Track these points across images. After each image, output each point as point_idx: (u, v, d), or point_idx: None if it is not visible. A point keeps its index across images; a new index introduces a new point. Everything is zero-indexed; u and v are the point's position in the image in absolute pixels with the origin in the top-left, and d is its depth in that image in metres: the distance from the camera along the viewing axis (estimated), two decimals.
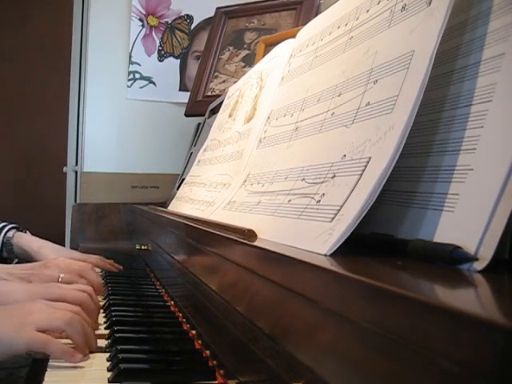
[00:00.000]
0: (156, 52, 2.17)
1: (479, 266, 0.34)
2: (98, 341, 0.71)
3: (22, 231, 1.27)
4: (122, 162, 2.13)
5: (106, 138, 2.14)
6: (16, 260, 1.24)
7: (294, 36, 0.85)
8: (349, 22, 0.62)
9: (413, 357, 0.26)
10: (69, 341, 0.67)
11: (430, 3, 0.45)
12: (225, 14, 1.81)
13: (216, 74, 1.74)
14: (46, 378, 0.60)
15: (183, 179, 1.34)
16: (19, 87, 3.28)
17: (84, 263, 1.01)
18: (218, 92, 1.68)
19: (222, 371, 0.60)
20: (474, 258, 0.34)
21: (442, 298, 0.27)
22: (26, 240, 1.22)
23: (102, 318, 0.84)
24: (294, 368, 0.39)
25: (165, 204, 1.42)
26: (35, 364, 0.71)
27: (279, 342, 0.42)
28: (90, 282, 0.95)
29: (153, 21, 2.16)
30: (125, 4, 2.14)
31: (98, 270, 1.22)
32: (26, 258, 1.21)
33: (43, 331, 0.64)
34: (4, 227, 1.25)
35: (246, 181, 0.75)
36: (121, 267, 1.24)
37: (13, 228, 1.26)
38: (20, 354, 0.64)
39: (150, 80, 2.15)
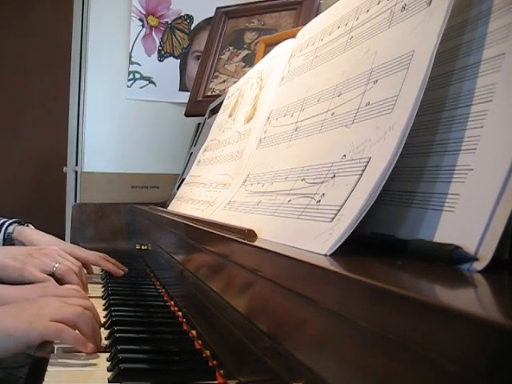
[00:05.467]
0: (156, 52, 2.17)
1: (479, 266, 0.34)
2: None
3: (23, 225, 1.27)
4: (122, 162, 2.13)
5: (106, 138, 2.13)
6: None
7: (294, 36, 0.85)
8: (349, 22, 0.62)
9: (413, 357, 0.26)
10: None
11: (430, 3, 0.45)
12: (225, 14, 1.81)
13: (216, 74, 1.74)
14: (45, 378, 0.60)
15: (183, 179, 1.34)
16: (19, 87, 3.28)
17: (77, 281, 0.98)
18: (218, 92, 1.68)
19: (222, 371, 0.60)
20: (474, 258, 0.34)
21: (442, 298, 0.27)
22: (26, 234, 1.21)
23: (102, 318, 0.84)
24: (294, 368, 0.39)
25: (165, 204, 1.42)
26: (35, 364, 0.71)
27: (279, 342, 0.42)
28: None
29: (153, 21, 2.16)
30: (125, 4, 2.14)
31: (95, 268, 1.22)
32: None
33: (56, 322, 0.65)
34: (4, 223, 1.24)
35: (246, 181, 0.75)
36: (125, 269, 1.20)
37: (14, 223, 1.25)
38: (34, 344, 0.65)
39: (149, 80, 2.15)
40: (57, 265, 0.98)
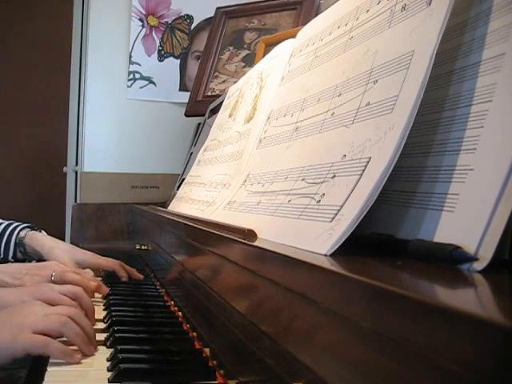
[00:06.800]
0: (156, 52, 2.16)
1: (479, 265, 0.34)
2: (98, 341, 0.71)
3: (36, 230, 1.25)
4: (121, 162, 2.13)
5: (106, 138, 2.13)
6: (34, 261, 1.21)
7: (294, 36, 0.85)
8: (349, 22, 0.62)
9: (413, 357, 0.25)
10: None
11: (430, 3, 0.45)
12: (225, 13, 1.80)
13: (216, 74, 1.74)
14: (45, 379, 0.60)
15: (183, 179, 1.34)
16: (19, 87, 3.28)
17: (78, 277, 0.96)
18: (218, 92, 1.68)
19: (222, 371, 0.60)
20: (474, 258, 0.34)
21: (442, 298, 0.27)
22: (37, 240, 1.19)
23: (101, 318, 0.84)
24: (294, 368, 0.39)
25: (165, 204, 1.42)
26: (35, 364, 0.71)
27: (279, 342, 0.42)
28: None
29: (153, 21, 2.15)
30: (125, 4, 2.14)
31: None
32: (40, 258, 1.18)
33: (40, 333, 0.64)
34: (17, 227, 1.22)
35: (246, 181, 0.75)
36: (141, 276, 1.16)
37: (26, 227, 1.23)
38: (19, 357, 0.63)
39: (150, 80, 2.15)
40: (54, 273, 0.96)
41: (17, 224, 1.23)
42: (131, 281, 1.15)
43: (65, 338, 0.67)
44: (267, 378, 0.45)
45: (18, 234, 1.20)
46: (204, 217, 0.82)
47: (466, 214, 0.37)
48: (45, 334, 0.64)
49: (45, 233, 1.26)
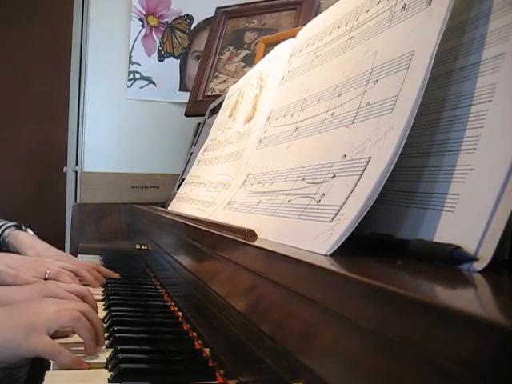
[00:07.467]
0: (156, 52, 2.17)
1: (479, 265, 0.34)
2: None
3: (22, 229, 1.25)
4: (121, 162, 2.13)
5: (106, 138, 2.13)
6: None
7: (294, 36, 0.85)
8: (349, 22, 0.62)
9: (412, 357, 0.25)
10: (77, 337, 0.67)
11: (430, 3, 0.46)
12: (225, 13, 1.80)
13: (216, 74, 1.74)
14: (46, 378, 0.60)
15: (183, 179, 1.34)
16: (19, 87, 3.28)
17: (71, 281, 0.97)
18: (218, 92, 1.68)
19: (222, 371, 0.60)
20: (474, 258, 0.34)
21: (442, 298, 0.27)
22: (20, 240, 1.19)
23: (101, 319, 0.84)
24: (294, 368, 0.39)
25: (165, 204, 1.42)
26: (35, 364, 0.71)
27: (279, 342, 0.42)
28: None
29: (153, 21, 2.16)
30: (125, 4, 2.14)
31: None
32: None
33: (54, 332, 0.64)
34: (1, 226, 1.22)
35: (245, 181, 0.75)
36: (117, 275, 1.18)
37: (12, 226, 1.23)
38: (28, 357, 0.63)
39: (150, 80, 2.15)
40: (48, 271, 0.97)
41: (3, 223, 1.23)
42: (131, 280, 1.15)
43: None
44: (267, 378, 0.45)
45: (2, 233, 1.20)
46: (204, 217, 0.82)
47: (465, 213, 0.37)
48: (57, 332, 0.65)
49: (30, 231, 1.26)
